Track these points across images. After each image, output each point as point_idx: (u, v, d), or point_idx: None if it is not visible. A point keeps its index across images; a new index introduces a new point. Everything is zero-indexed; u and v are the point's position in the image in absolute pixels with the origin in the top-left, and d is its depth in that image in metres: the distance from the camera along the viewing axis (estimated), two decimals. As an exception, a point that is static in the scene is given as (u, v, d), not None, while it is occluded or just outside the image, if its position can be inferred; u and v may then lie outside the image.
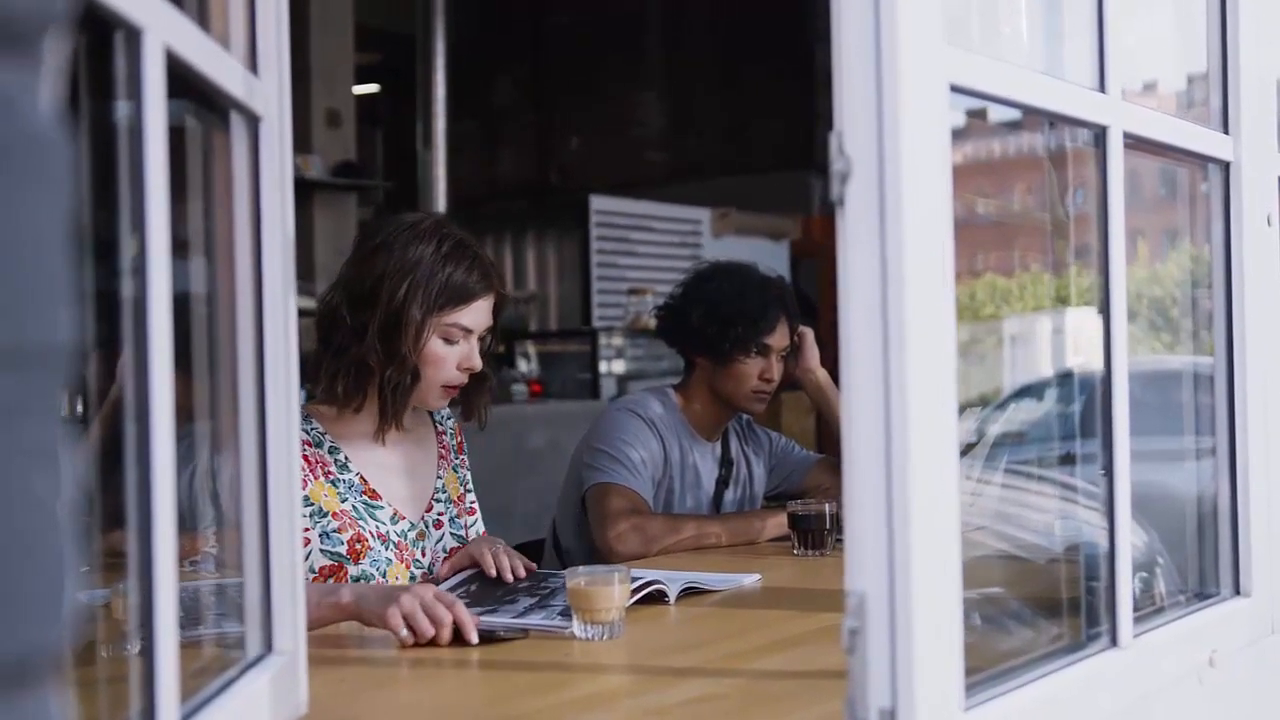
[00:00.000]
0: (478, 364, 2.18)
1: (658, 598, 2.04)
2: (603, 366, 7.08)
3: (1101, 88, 1.42)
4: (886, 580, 1.07)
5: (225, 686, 1.19)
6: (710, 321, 2.80)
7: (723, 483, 2.93)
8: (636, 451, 2.72)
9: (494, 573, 2.07)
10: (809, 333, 2.95)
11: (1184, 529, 1.80)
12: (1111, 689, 1.42)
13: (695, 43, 9.16)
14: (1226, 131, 1.73)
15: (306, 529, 2.06)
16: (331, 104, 7.08)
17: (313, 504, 2.08)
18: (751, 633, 1.91)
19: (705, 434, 2.90)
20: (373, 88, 9.04)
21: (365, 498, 2.15)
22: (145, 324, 0.93)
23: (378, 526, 2.14)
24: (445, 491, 2.29)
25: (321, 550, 2.08)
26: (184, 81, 1.06)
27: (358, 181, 7.26)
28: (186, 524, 1.09)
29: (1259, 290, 1.74)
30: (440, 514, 2.26)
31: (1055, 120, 1.51)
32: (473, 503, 2.35)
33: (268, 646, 1.31)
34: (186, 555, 1.18)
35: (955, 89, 1.15)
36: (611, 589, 1.79)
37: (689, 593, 2.11)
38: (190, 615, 1.19)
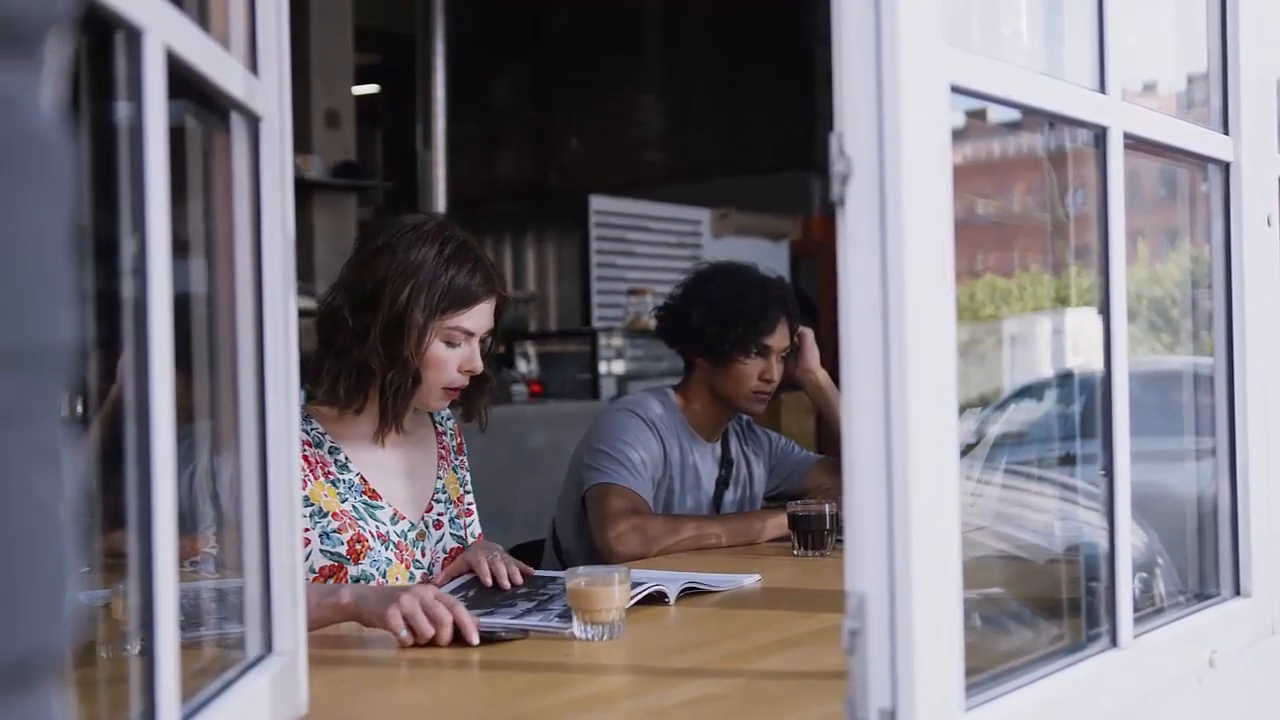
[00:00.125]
0: (479, 366, 2.17)
1: (658, 598, 2.04)
2: (602, 367, 7.08)
3: (1102, 88, 1.42)
4: (887, 581, 1.07)
5: (225, 687, 1.19)
6: (710, 322, 2.80)
7: (723, 483, 2.93)
8: (636, 452, 2.72)
9: (490, 581, 2.06)
10: (809, 333, 2.95)
11: (1184, 529, 1.80)
12: (1111, 689, 1.42)
13: (695, 43, 9.16)
14: (1226, 132, 1.73)
15: (306, 529, 2.06)
16: (331, 104, 7.08)
17: (313, 504, 2.08)
18: (751, 633, 1.91)
19: (705, 434, 2.90)
20: (372, 88, 9.04)
21: (365, 498, 2.15)
22: (145, 324, 0.93)
23: (378, 527, 2.14)
24: (445, 492, 2.29)
25: (321, 550, 2.08)
26: (184, 82, 1.06)
27: (357, 182, 7.27)
28: (186, 524, 1.09)
29: (1259, 291, 1.74)
30: (440, 514, 2.26)
31: (1056, 121, 1.51)
32: (470, 504, 2.35)
33: (268, 647, 1.31)
34: (186, 556, 1.18)
35: (956, 89, 1.15)
36: (611, 589, 1.79)
37: (689, 593, 2.11)
38: (190, 616, 1.19)
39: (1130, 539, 1.44)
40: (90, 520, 1.04)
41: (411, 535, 2.19)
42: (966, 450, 1.65)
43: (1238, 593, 1.72)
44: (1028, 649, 1.43)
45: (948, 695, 1.12)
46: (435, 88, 6.95)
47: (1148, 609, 1.58)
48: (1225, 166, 1.73)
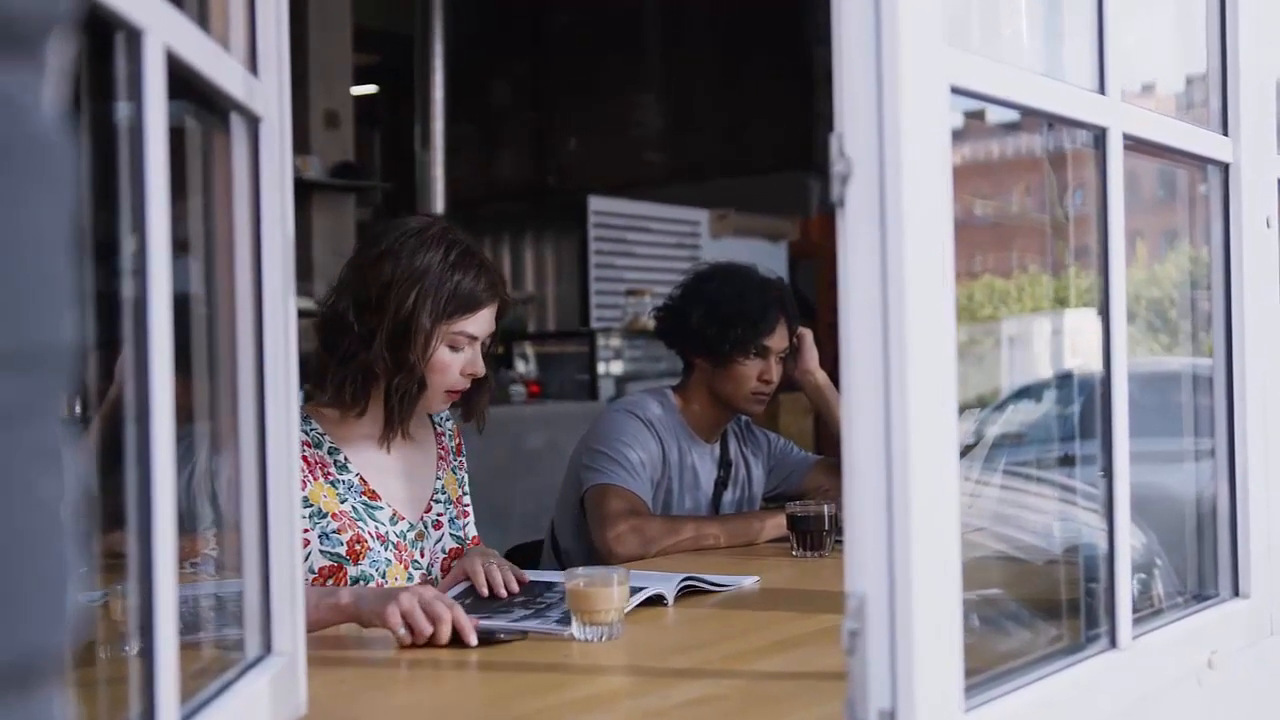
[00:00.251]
0: (482, 369, 2.18)
1: (656, 598, 2.04)
2: (601, 367, 7.08)
3: (1101, 89, 1.42)
4: (886, 581, 1.07)
5: (225, 688, 1.19)
6: (709, 323, 2.80)
7: (721, 484, 2.93)
8: (635, 453, 2.72)
9: (486, 591, 2.04)
10: (808, 334, 2.95)
11: (1183, 530, 1.80)
12: (1111, 690, 1.42)
13: (694, 43, 9.16)
14: (1226, 133, 1.73)
15: (306, 530, 2.06)
16: (330, 105, 7.08)
17: (312, 505, 2.08)
18: (751, 634, 1.91)
19: (704, 435, 2.90)
20: (371, 88, 9.04)
21: (365, 498, 2.15)
22: (145, 324, 0.93)
23: (377, 527, 2.14)
24: (445, 493, 2.29)
25: (321, 551, 2.08)
26: (184, 82, 1.06)
27: (356, 182, 7.26)
28: (185, 525, 1.09)
29: (1258, 292, 1.74)
30: (439, 515, 2.26)
31: (1055, 122, 1.51)
32: (467, 505, 2.35)
33: (267, 648, 1.31)
34: (186, 557, 1.18)
35: (955, 90, 1.15)
36: (610, 590, 1.79)
37: (688, 594, 2.11)
38: (189, 617, 1.19)
39: (1129, 540, 1.44)
40: (89, 521, 1.04)
41: (411, 536, 2.19)
42: (965, 451, 1.65)
43: (1236, 594, 1.72)
44: (1027, 650, 1.43)
45: (947, 696, 1.12)
46: (434, 88, 6.95)
47: (1147, 610, 1.59)
48: (1224, 168, 1.73)
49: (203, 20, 1.16)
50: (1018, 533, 1.76)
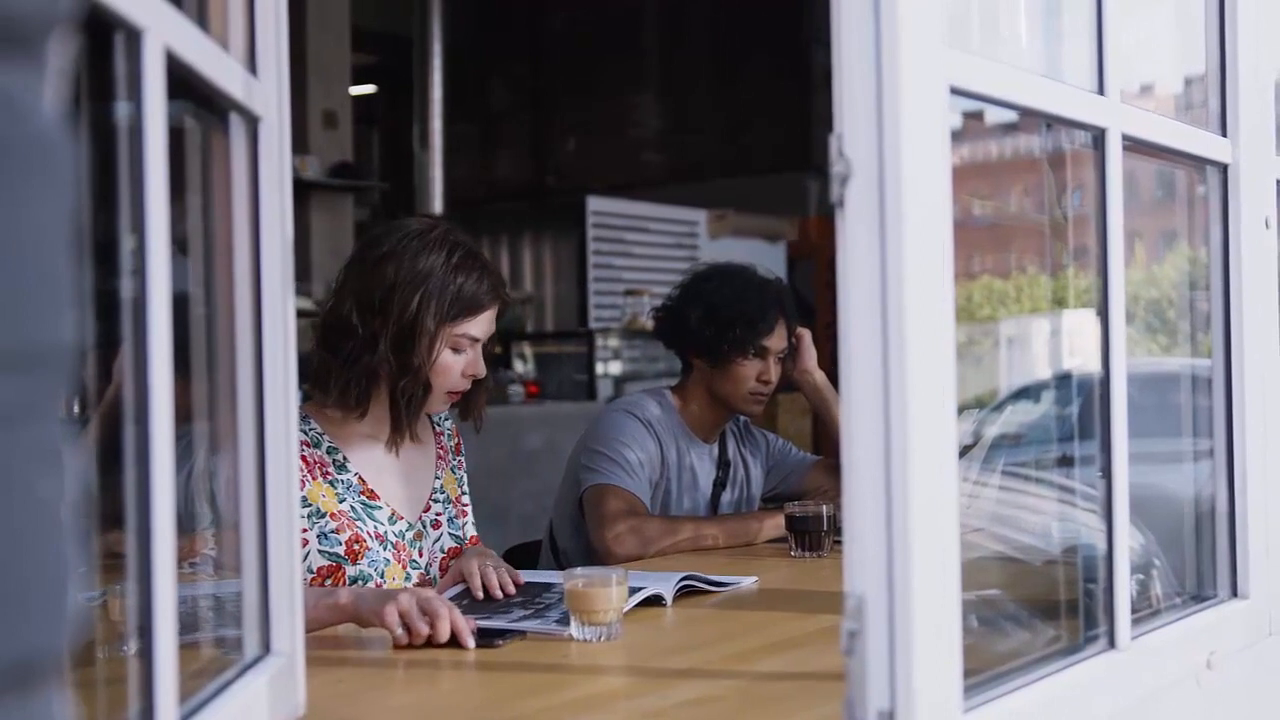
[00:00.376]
0: (483, 371, 2.19)
1: (655, 598, 2.04)
2: (599, 368, 7.08)
3: (1100, 90, 1.42)
4: (886, 582, 1.07)
5: (223, 688, 1.19)
6: (708, 323, 2.80)
7: (720, 484, 2.93)
8: (634, 453, 2.72)
9: (481, 594, 2.04)
10: (807, 334, 2.95)
11: (1182, 531, 1.80)
12: (1110, 691, 1.42)
13: (693, 44, 9.16)
14: (1225, 134, 1.73)
15: (304, 530, 2.06)
16: (328, 105, 7.08)
17: (310, 505, 2.08)
18: (749, 635, 1.91)
19: (702, 435, 2.90)
20: (369, 88, 9.05)
21: (364, 498, 2.15)
22: (145, 324, 0.93)
23: (376, 527, 2.14)
24: (444, 492, 2.29)
25: (319, 551, 2.08)
26: (184, 82, 1.06)
27: (354, 182, 7.26)
28: (183, 525, 1.09)
29: (1257, 293, 1.74)
30: (438, 514, 2.26)
31: (1054, 123, 1.51)
32: (466, 505, 2.35)
33: (265, 648, 1.31)
34: (184, 557, 1.18)
35: (955, 91, 1.15)
36: (609, 590, 1.79)
37: (686, 594, 2.11)
38: (188, 618, 1.19)
39: (1128, 540, 1.44)
40: (88, 521, 1.04)
41: (409, 535, 2.19)
42: (964, 452, 1.65)
43: (1235, 594, 1.72)
44: (1026, 650, 1.43)
45: (947, 696, 1.12)
46: (433, 88, 6.95)
47: (1145, 610, 1.59)
48: (1223, 168, 1.73)
49: (202, 20, 1.16)
50: (1017, 533, 1.76)
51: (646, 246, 7.78)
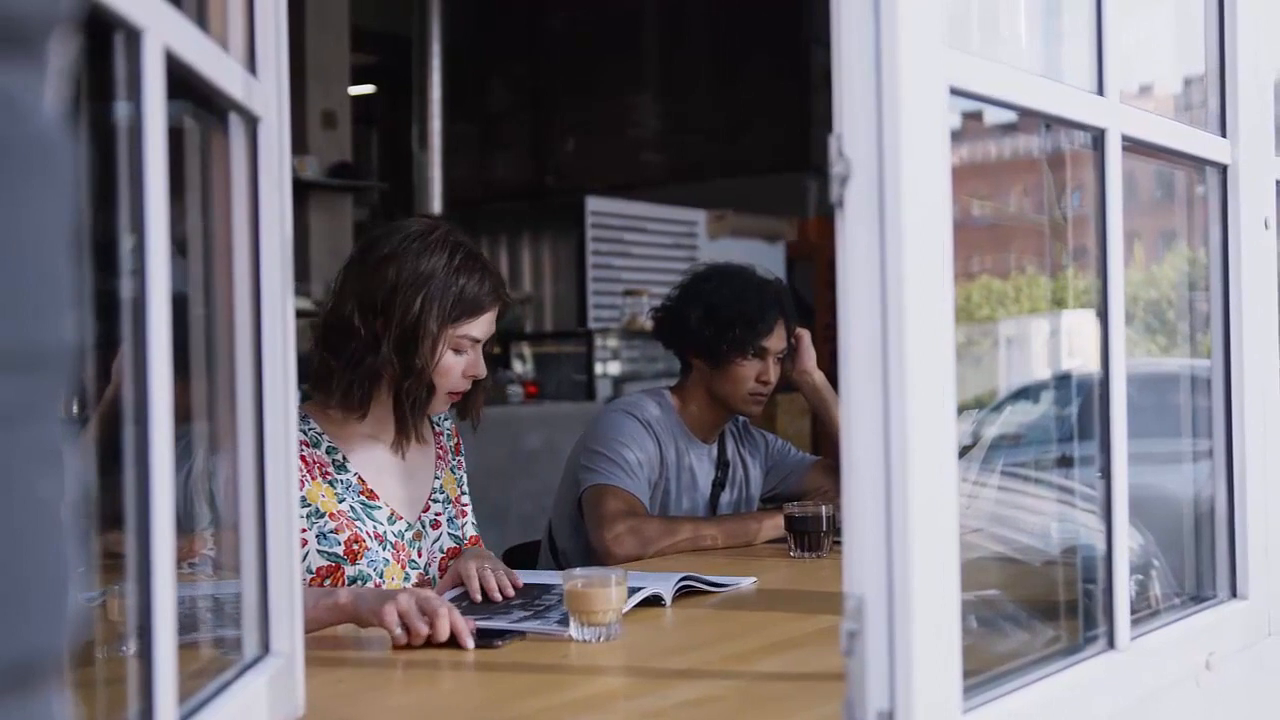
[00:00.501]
0: (483, 371, 2.19)
1: (654, 599, 2.04)
2: (598, 368, 7.08)
3: (1100, 90, 1.42)
4: (885, 583, 1.07)
5: (223, 688, 1.19)
6: (707, 323, 2.80)
7: (719, 485, 2.93)
8: (633, 453, 2.72)
9: (480, 597, 2.03)
10: (806, 334, 2.95)
11: (1181, 531, 1.80)
12: (1109, 691, 1.42)
13: (693, 44, 9.16)
14: (1224, 135, 1.73)
15: (303, 530, 2.06)
16: (327, 105, 7.07)
17: (310, 505, 2.08)
18: (749, 635, 1.91)
19: (702, 436, 2.90)
20: (368, 89, 9.04)
21: (363, 498, 2.15)
22: (144, 324, 0.93)
23: (375, 527, 2.14)
24: (443, 492, 2.29)
25: (319, 551, 2.08)
26: (183, 82, 1.06)
27: (353, 183, 7.26)
28: (183, 525, 1.09)
29: (1256, 293, 1.74)
30: (438, 514, 2.26)
31: (1054, 123, 1.51)
32: (465, 505, 2.35)
33: (265, 648, 1.31)
34: (184, 558, 1.18)
35: (955, 91, 1.15)
36: (609, 591, 1.79)
37: (686, 595, 2.11)
38: (187, 618, 1.19)
39: (1127, 541, 1.44)
40: (88, 521, 1.04)
41: (409, 535, 2.19)
42: (963, 452, 1.65)
43: (1234, 595, 1.72)
44: (1025, 651, 1.43)
45: (946, 697, 1.12)
46: (432, 88, 6.95)
47: (1145, 611, 1.59)
48: (1223, 169, 1.73)
49: (201, 20, 1.16)
50: (1016, 534, 1.76)
51: (646, 247, 7.78)
